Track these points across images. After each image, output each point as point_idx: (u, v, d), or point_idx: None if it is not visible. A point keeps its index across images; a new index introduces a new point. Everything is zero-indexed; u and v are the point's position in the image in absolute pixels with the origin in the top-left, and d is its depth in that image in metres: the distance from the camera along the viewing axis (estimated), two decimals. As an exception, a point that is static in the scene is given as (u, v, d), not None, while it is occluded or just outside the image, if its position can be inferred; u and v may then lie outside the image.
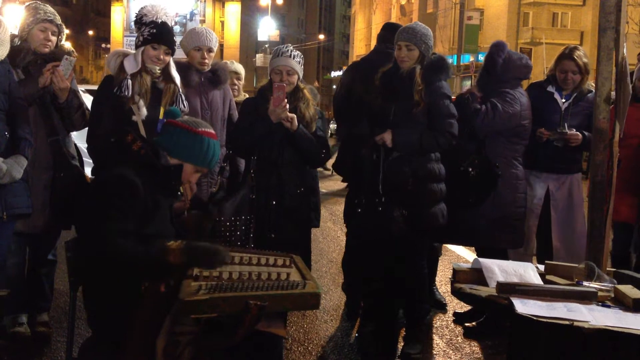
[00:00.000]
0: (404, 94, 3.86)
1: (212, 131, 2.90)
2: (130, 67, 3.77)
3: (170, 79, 3.89)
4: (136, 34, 3.91)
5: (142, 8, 3.91)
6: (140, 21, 3.85)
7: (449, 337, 4.36)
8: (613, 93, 3.14)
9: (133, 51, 3.89)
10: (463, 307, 4.82)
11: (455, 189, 4.02)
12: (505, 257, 4.16)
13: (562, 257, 4.34)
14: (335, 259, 6.47)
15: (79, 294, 2.78)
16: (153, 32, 3.78)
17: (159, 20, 3.83)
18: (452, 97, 4.04)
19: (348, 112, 4.47)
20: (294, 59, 3.88)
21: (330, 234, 7.78)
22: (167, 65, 3.88)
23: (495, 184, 4.12)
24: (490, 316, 4.45)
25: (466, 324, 4.55)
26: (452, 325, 4.60)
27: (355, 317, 4.64)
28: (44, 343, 3.97)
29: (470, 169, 4.10)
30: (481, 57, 34.46)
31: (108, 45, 52.62)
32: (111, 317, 2.57)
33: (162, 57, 3.80)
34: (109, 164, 2.69)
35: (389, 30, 4.43)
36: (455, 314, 4.71)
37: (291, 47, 3.97)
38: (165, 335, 2.43)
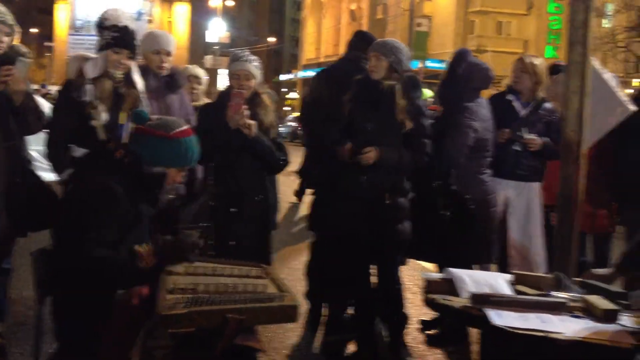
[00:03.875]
0: (383, 109, 3.87)
1: (185, 126, 2.86)
2: (91, 71, 3.69)
3: (132, 84, 3.82)
4: (97, 38, 3.82)
5: (104, 12, 3.85)
6: (102, 25, 3.78)
7: (412, 344, 4.38)
8: None
9: (94, 55, 3.81)
10: (423, 315, 4.85)
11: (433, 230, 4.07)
12: (468, 265, 4.20)
13: (517, 265, 4.41)
14: (295, 266, 6.44)
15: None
16: (115, 36, 3.73)
17: (121, 24, 3.76)
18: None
19: (315, 119, 4.45)
20: (251, 63, 3.86)
21: (288, 241, 7.74)
22: (129, 69, 3.80)
23: (471, 221, 4.14)
24: (450, 323, 4.50)
25: (427, 332, 4.58)
26: (415, 333, 4.62)
27: (318, 326, 4.62)
28: (-2, 354, 3.82)
29: (446, 212, 4.12)
30: (429, 64, 35.14)
31: (52, 44, 51.29)
32: (81, 330, 2.50)
33: (123, 61, 3.74)
34: (90, 172, 2.62)
35: (360, 38, 4.45)
36: (422, 322, 4.73)
37: (247, 52, 3.96)
38: (140, 349, 2.38)
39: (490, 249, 4.34)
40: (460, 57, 4.32)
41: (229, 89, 3.91)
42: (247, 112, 3.71)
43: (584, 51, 2.94)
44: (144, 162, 2.69)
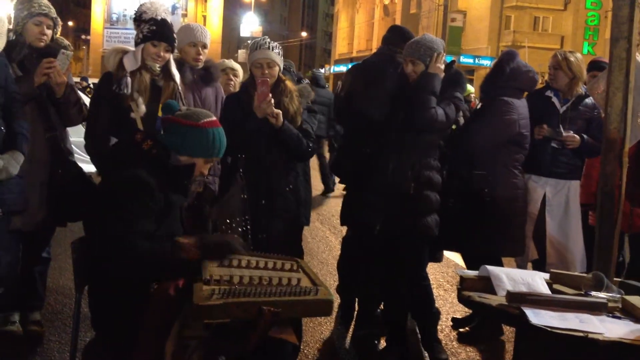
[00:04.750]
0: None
1: (213, 117, 2.85)
2: (130, 64, 3.72)
3: (170, 77, 3.84)
4: (136, 31, 3.85)
5: (141, 5, 3.85)
6: (140, 18, 3.79)
7: (444, 342, 4.34)
8: None
9: (132, 48, 3.84)
10: (457, 312, 4.82)
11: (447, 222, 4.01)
12: (499, 263, 4.16)
13: (554, 263, 4.36)
14: (325, 260, 6.45)
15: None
16: (153, 29, 3.73)
17: (159, 17, 3.77)
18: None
19: (348, 114, 4.43)
20: (272, 50, 3.79)
21: (319, 234, 7.74)
22: (167, 62, 3.82)
23: (485, 212, 4.09)
24: (482, 321, 4.46)
25: (460, 329, 4.55)
26: (447, 330, 4.59)
27: (350, 320, 4.62)
28: (36, 342, 3.89)
29: (454, 203, 4.07)
30: (463, 59, 34.74)
31: (88, 37, 52.05)
32: (118, 319, 2.53)
33: (162, 54, 3.75)
34: (121, 163, 2.65)
35: (395, 33, 4.41)
36: (453, 319, 4.70)
37: (268, 39, 3.88)
38: (174, 339, 2.40)
39: (514, 244, 4.26)
40: (509, 57, 4.29)
41: (251, 79, 3.87)
42: (273, 101, 3.66)
43: (629, 46, 2.87)
44: (172, 151, 2.70)
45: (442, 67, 3.91)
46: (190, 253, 2.54)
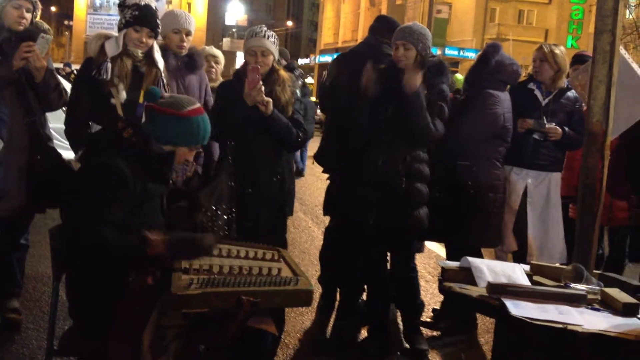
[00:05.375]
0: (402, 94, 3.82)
1: (197, 105, 2.81)
2: (111, 50, 3.68)
3: (153, 63, 3.80)
4: (119, 16, 3.80)
5: None
6: (124, 3, 3.75)
7: (424, 332, 4.35)
8: None
9: (115, 34, 3.79)
10: (438, 303, 4.84)
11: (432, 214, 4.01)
12: (479, 254, 4.18)
13: (535, 255, 4.39)
14: (307, 250, 6.44)
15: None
16: (135, 15, 3.68)
17: (142, 3, 3.73)
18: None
19: (333, 104, 4.41)
20: (268, 39, 3.76)
21: (302, 224, 7.74)
22: (151, 48, 3.78)
23: (468, 203, 4.11)
24: (460, 312, 4.48)
25: (437, 318, 4.57)
26: (428, 320, 4.60)
27: (331, 310, 4.61)
28: (13, 330, 3.85)
29: (440, 194, 4.08)
30: (448, 51, 34.81)
31: (71, 23, 51.48)
32: (96, 308, 2.49)
33: (144, 40, 3.70)
34: (98, 151, 2.60)
35: (382, 23, 4.39)
36: (434, 310, 4.72)
37: (265, 28, 3.85)
38: (152, 329, 2.37)
39: (492, 234, 4.29)
40: (494, 49, 4.30)
41: (245, 66, 3.83)
42: (263, 89, 3.63)
43: (613, 39, 2.87)
44: (155, 140, 2.66)
45: (420, 75, 3.85)
46: (157, 250, 2.45)
